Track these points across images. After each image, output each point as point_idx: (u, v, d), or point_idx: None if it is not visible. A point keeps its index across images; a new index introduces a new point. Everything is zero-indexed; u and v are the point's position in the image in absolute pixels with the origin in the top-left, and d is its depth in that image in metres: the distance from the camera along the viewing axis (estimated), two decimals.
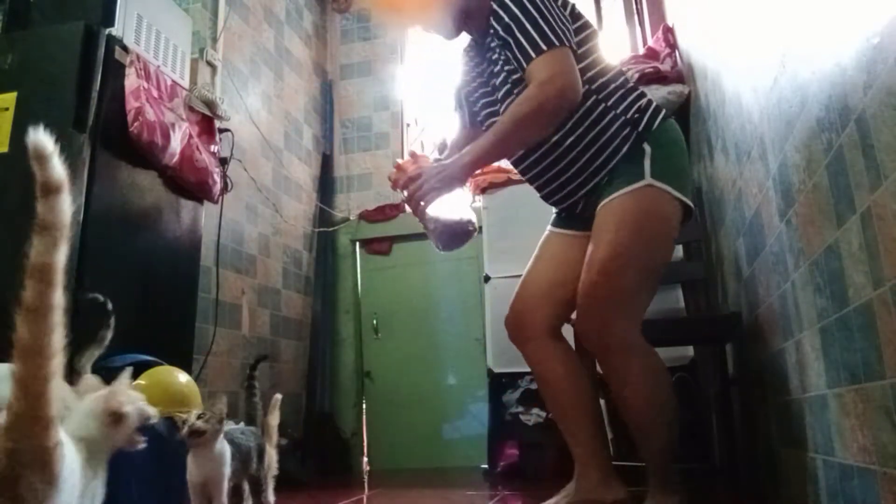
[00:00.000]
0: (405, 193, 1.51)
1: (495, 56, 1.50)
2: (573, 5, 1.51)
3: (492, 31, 1.47)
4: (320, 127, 4.18)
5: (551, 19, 1.37)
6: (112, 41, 2.01)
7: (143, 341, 1.89)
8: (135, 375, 1.69)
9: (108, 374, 1.70)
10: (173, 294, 2.28)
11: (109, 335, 1.65)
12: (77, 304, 1.73)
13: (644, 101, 1.51)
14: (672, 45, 2.75)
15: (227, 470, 1.48)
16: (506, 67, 1.48)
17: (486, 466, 2.78)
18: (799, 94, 1.09)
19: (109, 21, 2.05)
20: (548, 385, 1.59)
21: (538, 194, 1.66)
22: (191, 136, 2.28)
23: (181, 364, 1.89)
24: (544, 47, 1.35)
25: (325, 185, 4.07)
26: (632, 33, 3.51)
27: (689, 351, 2.54)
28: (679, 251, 2.60)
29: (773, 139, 1.28)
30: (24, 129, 0.80)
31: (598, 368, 1.55)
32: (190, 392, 1.74)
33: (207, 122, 2.45)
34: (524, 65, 1.39)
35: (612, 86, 1.50)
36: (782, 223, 1.27)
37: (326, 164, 4.13)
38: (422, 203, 1.45)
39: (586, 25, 1.51)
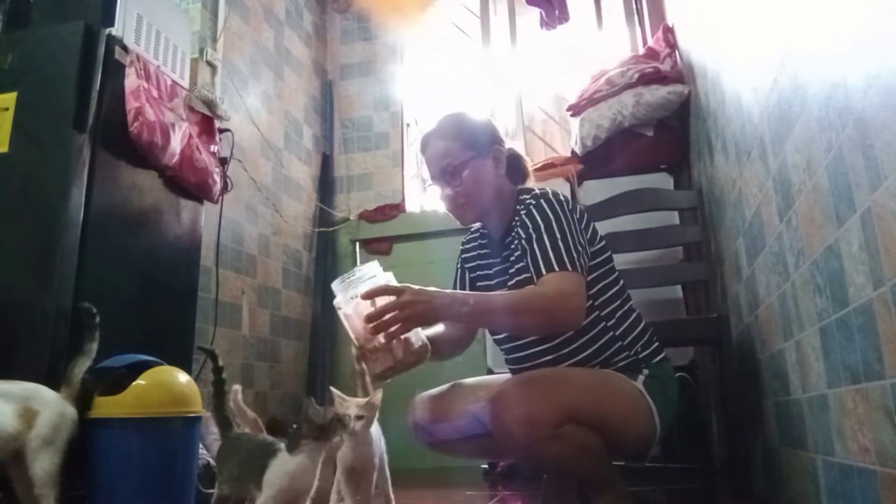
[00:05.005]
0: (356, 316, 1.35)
1: (513, 258, 1.50)
2: (595, 227, 1.53)
3: (514, 234, 1.48)
4: (320, 127, 4.18)
5: (572, 243, 1.38)
6: (112, 41, 2.01)
7: (143, 341, 1.89)
8: (135, 375, 1.70)
9: (107, 374, 1.71)
10: (173, 294, 2.27)
11: (95, 346, 1.65)
12: (74, 314, 1.73)
13: (648, 336, 1.50)
14: (672, 45, 2.75)
15: (379, 452, 1.52)
16: (518, 276, 1.48)
17: (486, 466, 2.78)
18: (799, 94, 1.09)
19: (109, 21, 2.04)
20: None
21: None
22: (191, 136, 2.28)
23: (181, 364, 1.89)
24: (557, 268, 1.35)
25: (325, 185, 4.07)
26: (632, 33, 3.51)
27: (689, 351, 2.55)
28: (679, 252, 2.60)
29: (773, 139, 1.28)
30: (24, 129, 0.80)
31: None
32: (190, 392, 1.73)
33: (207, 122, 2.44)
34: (535, 277, 1.38)
35: (620, 313, 1.49)
36: (782, 223, 1.27)
37: (326, 164, 4.13)
38: (396, 328, 1.30)
39: (605, 248, 1.53)
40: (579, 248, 1.39)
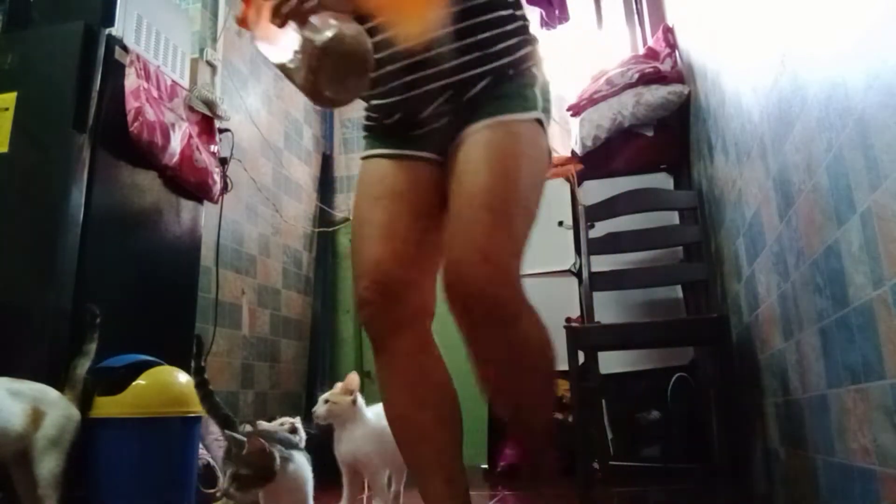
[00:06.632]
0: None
1: None
2: None
3: None
4: (320, 127, 4.18)
5: None
6: (112, 41, 2.01)
7: (143, 341, 1.89)
8: (135, 375, 1.70)
9: (108, 374, 1.71)
10: (173, 294, 2.27)
11: (94, 347, 1.66)
12: (74, 314, 1.74)
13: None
14: (672, 45, 2.75)
15: (374, 448, 1.53)
16: None
17: (485, 466, 2.78)
18: (799, 94, 1.09)
19: (109, 21, 2.05)
20: (421, 408, 1.18)
21: (383, 94, 1.21)
22: (191, 136, 2.28)
23: (181, 364, 1.89)
24: None
25: (325, 185, 4.07)
26: (632, 33, 3.51)
27: (689, 351, 2.55)
28: (679, 252, 2.60)
29: (773, 139, 1.28)
30: (24, 129, 0.80)
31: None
32: (190, 392, 1.73)
33: (207, 122, 2.44)
34: None
35: None
36: (782, 223, 1.27)
37: (326, 164, 4.13)
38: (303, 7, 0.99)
39: None
40: None
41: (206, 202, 2.47)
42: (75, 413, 1.56)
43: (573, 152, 3.03)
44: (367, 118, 1.29)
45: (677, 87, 2.56)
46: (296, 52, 1.02)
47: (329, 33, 0.99)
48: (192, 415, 1.73)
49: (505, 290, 1.03)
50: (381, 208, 1.19)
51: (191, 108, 2.35)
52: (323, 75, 1.01)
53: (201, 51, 2.90)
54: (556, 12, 3.52)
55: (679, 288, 2.58)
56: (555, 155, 3.45)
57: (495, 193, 1.06)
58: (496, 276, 1.01)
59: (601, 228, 2.41)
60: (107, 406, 1.65)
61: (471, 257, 1.02)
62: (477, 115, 1.14)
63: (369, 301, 1.13)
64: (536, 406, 1.21)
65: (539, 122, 1.16)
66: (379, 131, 1.27)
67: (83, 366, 1.63)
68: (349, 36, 1.01)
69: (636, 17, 3.49)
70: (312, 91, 1.04)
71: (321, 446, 1.66)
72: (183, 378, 1.77)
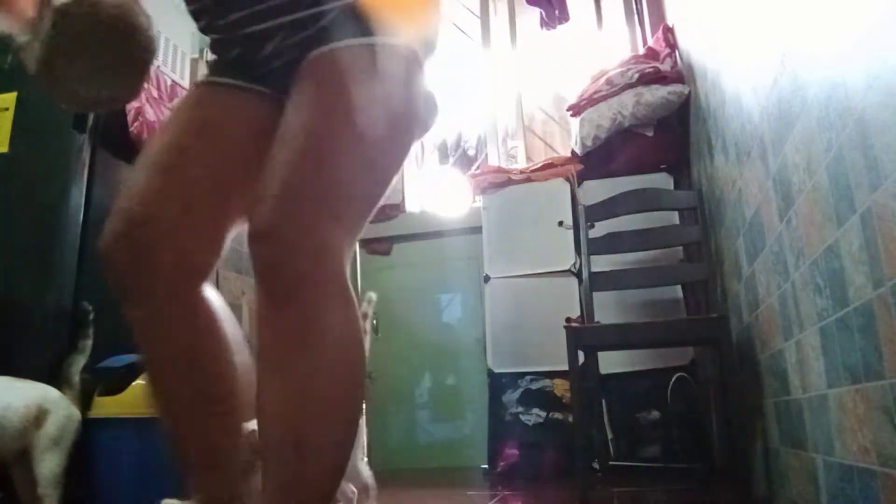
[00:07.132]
0: None
1: None
2: None
3: None
4: None
5: None
6: None
7: None
8: (135, 375, 1.70)
9: (108, 374, 1.71)
10: None
11: (89, 344, 1.66)
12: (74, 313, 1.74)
13: None
14: (672, 45, 2.75)
15: None
16: None
17: (486, 466, 2.78)
18: (799, 94, 1.09)
19: None
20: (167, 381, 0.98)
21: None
22: None
23: None
24: None
25: None
26: (632, 33, 3.51)
27: (689, 351, 2.55)
28: (679, 252, 2.60)
29: (773, 139, 1.28)
30: (24, 129, 0.79)
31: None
32: None
33: None
34: None
35: None
36: (782, 223, 1.27)
37: None
38: None
39: None
40: None
41: None
42: (76, 413, 1.56)
43: (573, 152, 3.03)
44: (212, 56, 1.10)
45: (677, 87, 2.56)
46: (30, 20, 0.62)
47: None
48: None
49: (299, 246, 0.86)
50: (181, 133, 0.99)
51: None
52: (61, 55, 0.63)
53: (201, 51, 2.90)
54: (556, 12, 3.52)
55: (679, 288, 2.58)
56: (554, 155, 3.46)
57: (311, 137, 0.89)
58: (288, 223, 0.87)
59: (601, 228, 2.41)
60: (107, 406, 1.65)
61: (274, 203, 0.87)
62: (318, 45, 0.94)
63: (114, 248, 0.95)
64: (325, 445, 0.84)
65: (414, 51, 0.99)
66: (221, 65, 1.08)
67: (79, 363, 1.63)
68: (108, 3, 0.64)
69: (636, 17, 3.49)
70: (48, 79, 0.65)
71: None
72: None
